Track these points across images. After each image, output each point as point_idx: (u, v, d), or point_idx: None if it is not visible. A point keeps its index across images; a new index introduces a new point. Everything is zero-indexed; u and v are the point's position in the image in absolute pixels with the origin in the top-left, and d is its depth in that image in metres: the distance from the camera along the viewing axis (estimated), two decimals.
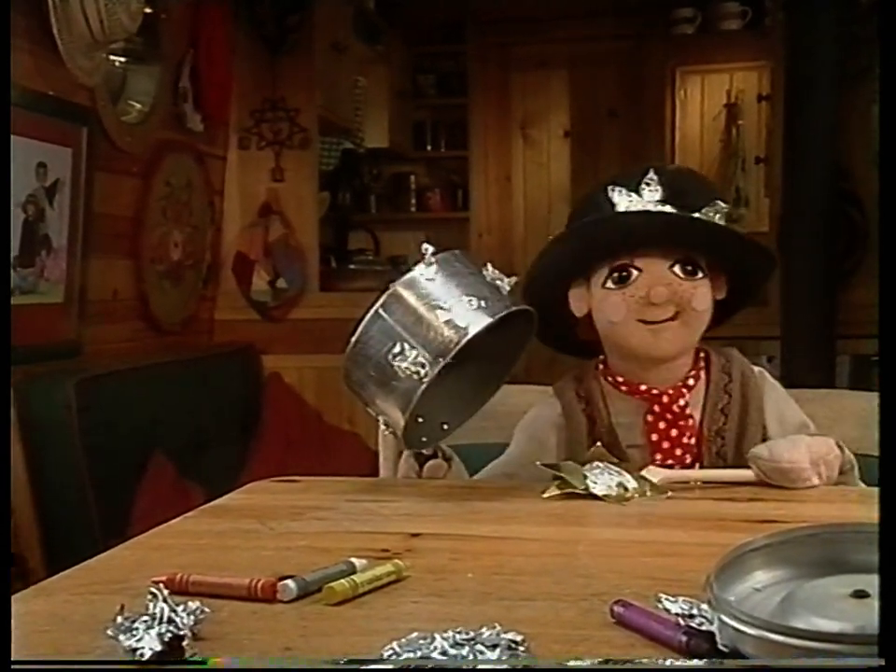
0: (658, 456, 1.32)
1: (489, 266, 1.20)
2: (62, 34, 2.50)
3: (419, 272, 1.16)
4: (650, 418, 1.32)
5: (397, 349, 1.13)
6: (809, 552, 0.73)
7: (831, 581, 0.67)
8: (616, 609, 0.73)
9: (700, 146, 4.87)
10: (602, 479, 1.19)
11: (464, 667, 0.59)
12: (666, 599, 0.72)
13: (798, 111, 3.98)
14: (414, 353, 1.12)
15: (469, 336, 1.11)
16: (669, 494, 1.19)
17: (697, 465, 1.32)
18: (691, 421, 1.32)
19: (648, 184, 1.27)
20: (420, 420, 1.26)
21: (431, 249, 1.17)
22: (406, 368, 1.12)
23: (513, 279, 1.20)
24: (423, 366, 1.12)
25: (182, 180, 3.40)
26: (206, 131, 3.53)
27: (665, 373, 1.33)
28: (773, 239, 3.99)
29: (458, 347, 1.12)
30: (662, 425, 1.32)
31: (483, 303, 1.14)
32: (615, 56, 4.89)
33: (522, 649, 0.61)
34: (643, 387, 1.32)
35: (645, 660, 0.65)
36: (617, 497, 1.17)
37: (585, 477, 1.19)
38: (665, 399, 1.32)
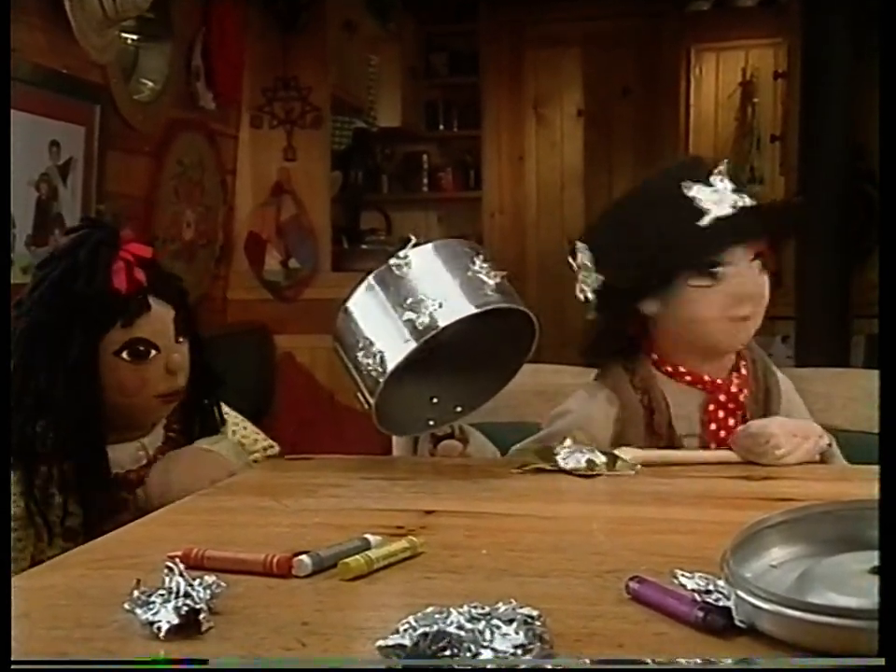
0: (713, 446, 1.33)
1: (477, 260, 1.17)
2: (74, 10, 2.49)
3: (392, 264, 1.15)
4: (711, 407, 1.33)
5: (361, 344, 1.15)
6: (826, 528, 0.72)
7: (848, 557, 0.67)
8: (631, 585, 0.73)
9: (715, 124, 4.83)
10: (572, 457, 1.21)
11: (457, 666, 0.58)
12: (682, 575, 0.72)
13: (814, 88, 3.95)
14: (374, 350, 1.14)
15: (425, 338, 1.11)
16: (638, 468, 1.21)
17: None
18: (740, 412, 1.33)
19: (719, 174, 1.28)
20: (434, 401, 1.26)
21: (413, 241, 1.17)
22: (367, 364, 1.14)
23: (501, 274, 1.17)
24: (382, 363, 1.13)
25: (194, 159, 3.39)
26: (218, 109, 3.52)
27: (723, 362, 1.34)
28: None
29: (413, 348, 1.12)
30: (721, 413, 1.33)
31: (448, 303, 1.12)
32: (629, 34, 4.85)
33: (538, 623, 0.61)
34: (706, 377, 1.33)
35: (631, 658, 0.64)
36: (585, 469, 1.19)
37: (555, 455, 1.22)
38: (724, 387, 1.33)
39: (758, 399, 1.34)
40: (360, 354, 1.15)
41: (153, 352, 1.26)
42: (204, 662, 0.63)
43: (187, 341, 1.32)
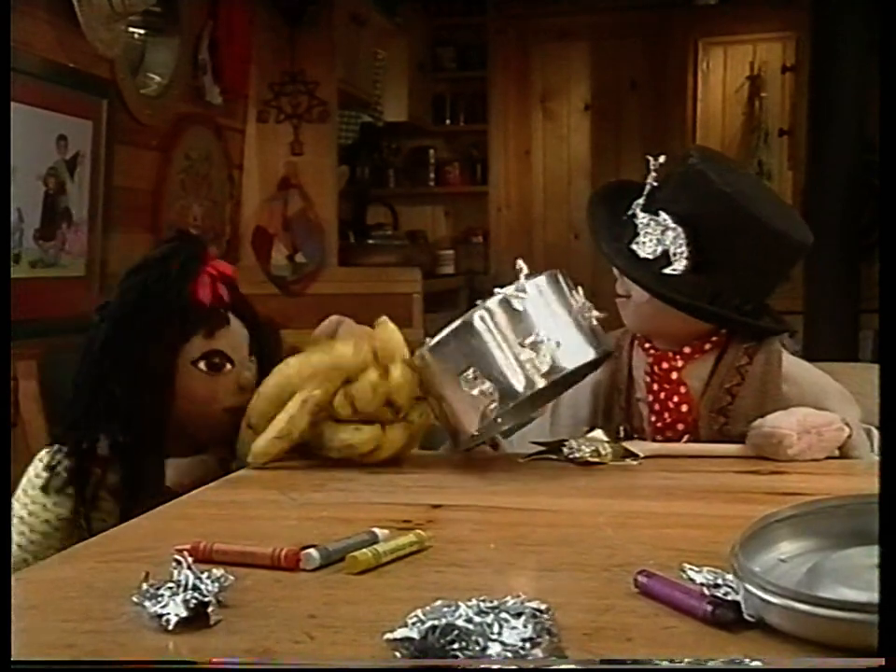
0: (653, 418, 1.38)
1: (576, 295, 1.19)
2: (82, 5, 2.48)
3: (510, 295, 1.14)
4: (647, 378, 1.39)
5: (469, 374, 1.14)
6: (835, 522, 0.72)
7: (857, 551, 0.67)
8: (640, 579, 0.73)
9: (722, 118, 4.81)
10: (578, 447, 1.24)
11: (456, 667, 0.58)
12: (691, 569, 0.72)
13: (823, 82, 3.93)
14: (486, 384, 1.13)
15: (542, 386, 1.13)
16: (643, 456, 1.24)
17: (686, 437, 1.35)
18: (682, 388, 1.36)
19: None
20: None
21: (526, 271, 1.16)
22: (476, 395, 1.13)
23: (597, 314, 1.20)
24: (492, 400, 1.13)
25: (201, 153, 3.39)
26: (225, 104, 3.52)
27: (664, 339, 1.39)
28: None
29: (529, 394, 1.13)
30: (655, 386, 1.38)
31: (565, 347, 1.13)
32: (636, 27, 4.83)
33: (546, 617, 0.61)
34: (647, 345, 1.40)
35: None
36: (590, 456, 1.22)
37: (563, 446, 1.25)
38: (653, 358, 1.38)
39: (737, 394, 1.33)
40: (468, 382, 1.14)
41: (228, 365, 1.28)
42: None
43: (256, 360, 1.32)
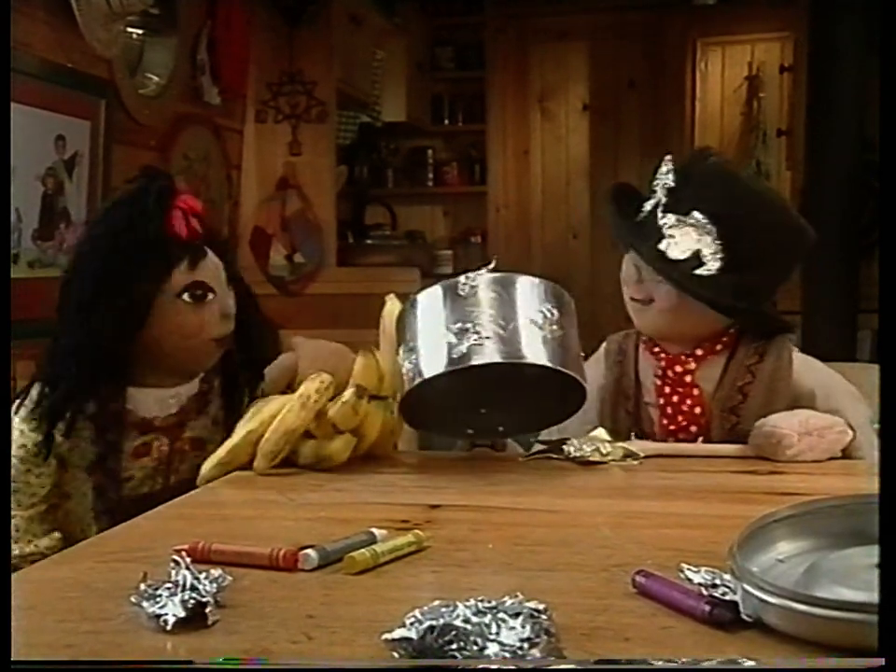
0: (664, 421, 1.36)
1: (545, 307, 1.15)
2: (80, 5, 2.48)
3: (460, 281, 1.15)
4: (658, 381, 1.37)
5: (408, 344, 1.16)
6: (833, 523, 0.72)
7: (855, 551, 0.67)
8: (638, 579, 0.73)
9: (721, 118, 4.81)
10: (579, 446, 1.24)
11: (454, 667, 0.58)
12: (689, 569, 0.72)
13: (821, 82, 3.93)
14: (413, 357, 1.15)
15: (453, 368, 1.11)
16: (643, 456, 1.24)
17: (700, 439, 1.34)
18: (695, 391, 1.35)
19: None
20: (482, 411, 1.27)
21: (491, 267, 1.16)
22: (404, 364, 1.16)
23: (559, 333, 1.14)
24: (416, 370, 1.14)
25: (199, 154, 3.39)
26: (224, 104, 3.52)
27: (674, 341, 1.38)
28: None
29: (440, 373, 1.12)
30: (667, 389, 1.37)
31: (493, 342, 1.11)
32: (635, 28, 4.83)
33: (544, 617, 0.61)
34: (656, 349, 1.39)
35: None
36: (590, 455, 1.22)
37: (564, 445, 1.25)
38: (664, 362, 1.37)
39: (749, 392, 1.33)
40: (402, 350, 1.17)
41: (210, 295, 1.30)
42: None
43: (233, 290, 1.35)
